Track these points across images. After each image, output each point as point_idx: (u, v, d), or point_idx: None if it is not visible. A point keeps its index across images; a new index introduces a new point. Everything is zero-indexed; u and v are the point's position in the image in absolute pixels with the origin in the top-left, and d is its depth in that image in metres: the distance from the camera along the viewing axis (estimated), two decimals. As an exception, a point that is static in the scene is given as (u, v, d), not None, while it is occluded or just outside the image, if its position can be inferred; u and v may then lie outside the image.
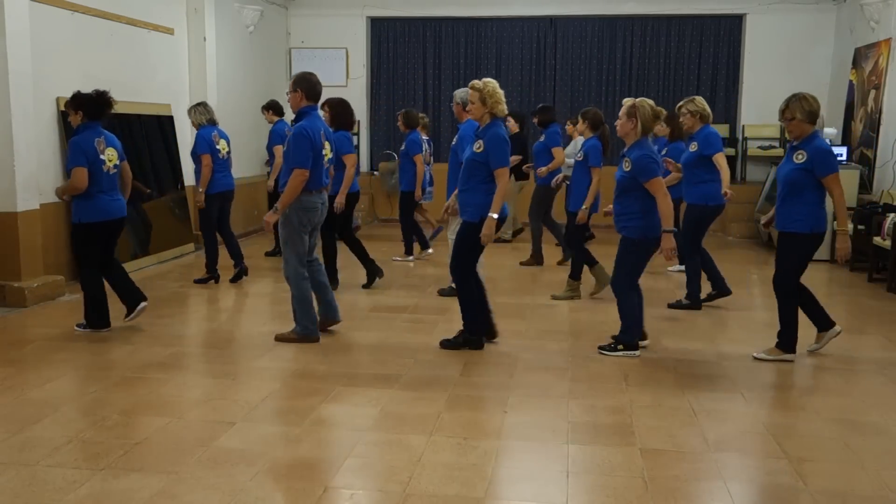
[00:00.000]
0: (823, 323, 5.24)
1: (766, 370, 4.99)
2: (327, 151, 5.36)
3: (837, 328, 5.24)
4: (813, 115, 4.84)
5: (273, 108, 8.82)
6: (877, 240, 7.69)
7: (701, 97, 6.61)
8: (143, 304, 5.76)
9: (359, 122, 12.38)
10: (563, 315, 6.29)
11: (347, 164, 6.82)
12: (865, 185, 9.02)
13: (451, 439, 3.81)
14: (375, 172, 12.19)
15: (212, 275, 7.31)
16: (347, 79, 12.23)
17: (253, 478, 3.39)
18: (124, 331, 5.70)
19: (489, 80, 5.09)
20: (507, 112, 5.16)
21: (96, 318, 5.65)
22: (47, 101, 7.08)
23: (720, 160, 6.36)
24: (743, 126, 11.47)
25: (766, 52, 11.32)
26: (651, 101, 5.06)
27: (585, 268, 6.86)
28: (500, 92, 5.05)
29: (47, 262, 6.80)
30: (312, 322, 5.43)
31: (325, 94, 9.65)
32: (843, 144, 9.39)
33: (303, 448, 3.75)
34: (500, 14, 11.90)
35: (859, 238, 8.15)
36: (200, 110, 7.36)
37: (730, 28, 11.63)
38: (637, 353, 5.19)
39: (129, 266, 7.83)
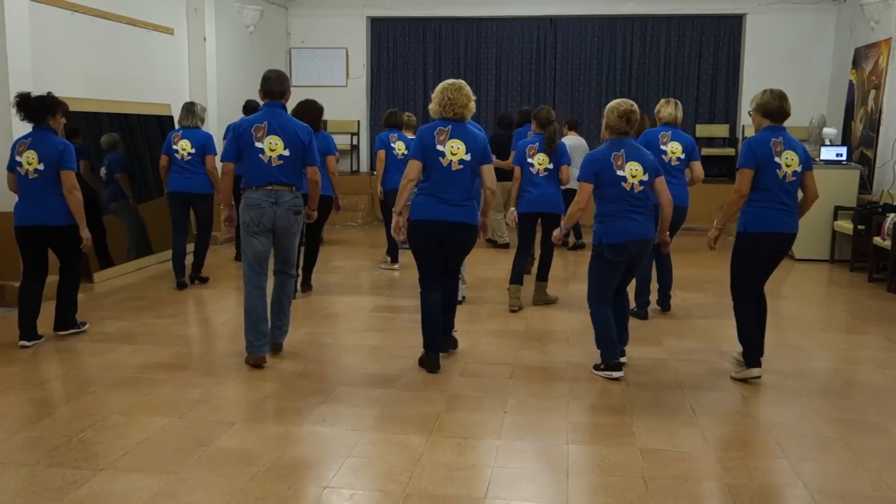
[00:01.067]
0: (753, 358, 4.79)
1: (766, 370, 4.97)
2: (276, 148, 4.80)
3: (757, 372, 4.74)
4: (762, 107, 4.60)
5: (245, 107, 8.58)
6: (877, 240, 7.69)
7: (664, 100, 6.37)
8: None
9: (359, 122, 12.41)
10: (563, 316, 6.29)
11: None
12: (865, 185, 9.02)
13: (451, 439, 3.81)
14: (375, 173, 12.16)
15: (197, 274, 7.27)
16: (347, 79, 12.24)
17: (253, 478, 3.39)
18: (124, 331, 5.71)
19: (447, 81, 4.78)
20: (450, 114, 4.68)
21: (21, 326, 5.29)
22: (47, 101, 7.08)
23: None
24: (743, 126, 11.47)
25: (766, 52, 11.32)
26: (627, 103, 4.71)
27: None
28: (444, 96, 4.67)
29: (47, 262, 6.79)
30: (258, 338, 4.89)
31: (324, 94, 9.66)
32: (843, 144, 9.38)
33: (303, 448, 3.75)
34: (500, 14, 11.91)
35: (859, 238, 8.16)
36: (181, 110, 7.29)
37: (730, 28, 11.64)
38: (617, 374, 4.70)
39: (128, 266, 7.86)
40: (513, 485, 3.39)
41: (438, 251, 4.80)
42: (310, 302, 6.76)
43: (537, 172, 6.37)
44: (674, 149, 6.12)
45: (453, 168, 4.68)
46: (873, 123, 9.22)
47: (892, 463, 3.63)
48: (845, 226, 8.51)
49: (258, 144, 4.79)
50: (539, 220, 6.51)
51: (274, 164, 4.80)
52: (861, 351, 5.52)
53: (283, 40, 12.18)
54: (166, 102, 8.99)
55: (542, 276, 6.62)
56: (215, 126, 9.62)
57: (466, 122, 4.79)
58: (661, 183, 4.74)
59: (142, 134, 8.43)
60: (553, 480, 3.42)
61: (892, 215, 7.55)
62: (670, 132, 6.18)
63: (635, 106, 4.74)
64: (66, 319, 5.51)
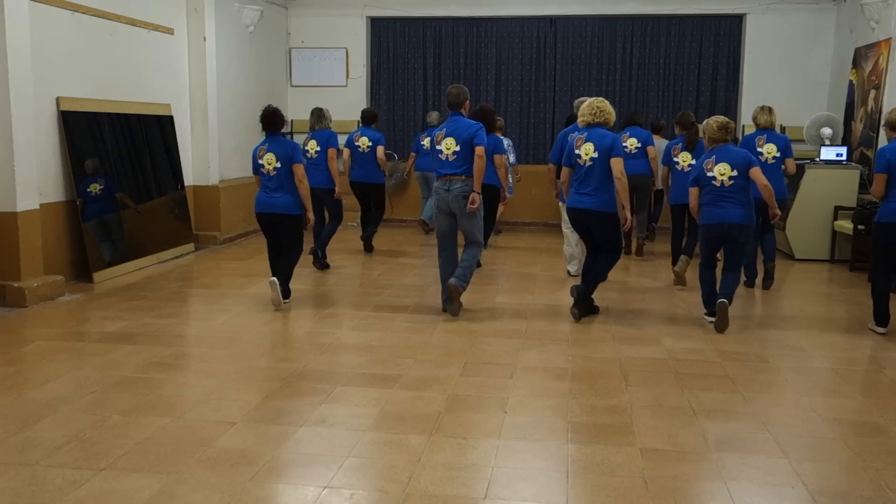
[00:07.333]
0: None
1: (766, 370, 4.99)
2: (451, 146, 6.07)
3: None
4: (891, 123, 5.89)
5: (363, 116, 9.65)
6: (877, 240, 7.67)
7: (759, 107, 7.56)
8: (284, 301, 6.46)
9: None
10: (564, 315, 6.29)
11: None
12: (865, 184, 9.01)
13: (451, 439, 3.81)
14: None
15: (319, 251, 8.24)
16: (347, 79, 12.22)
17: (253, 478, 3.39)
18: (124, 331, 5.71)
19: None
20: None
21: None
22: (47, 101, 7.08)
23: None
24: (743, 126, 11.45)
25: (766, 52, 11.32)
26: (723, 118, 6.18)
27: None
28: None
29: (47, 262, 6.80)
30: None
31: (324, 95, 9.60)
32: (843, 144, 9.38)
33: (303, 448, 3.75)
34: (500, 14, 11.90)
35: (859, 238, 8.16)
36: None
37: (730, 28, 11.63)
38: (709, 319, 6.06)
39: (128, 266, 7.86)
40: (513, 485, 3.39)
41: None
42: (309, 302, 6.76)
43: (682, 169, 7.68)
44: (769, 149, 7.27)
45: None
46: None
47: (892, 463, 3.63)
48: (845, 226, 8.51)
49: (438, 147, 6.13)
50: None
51: (450, 160, 6.07)
52: (861, 351, 5.52)
53: (283, 40, 12.18)
54: (166, 102, 8.99)
55: (689, 251, 7.49)
56: (216, 126, 9.64)
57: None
58: (755, 173, 5.86)
59: (142, 134, 8.42)
60: (553, 480, 3.42)
61: (892, 215, 7.54)
62: (765, 135, 7.35)
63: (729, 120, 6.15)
64: (286, 289, 6.50)
